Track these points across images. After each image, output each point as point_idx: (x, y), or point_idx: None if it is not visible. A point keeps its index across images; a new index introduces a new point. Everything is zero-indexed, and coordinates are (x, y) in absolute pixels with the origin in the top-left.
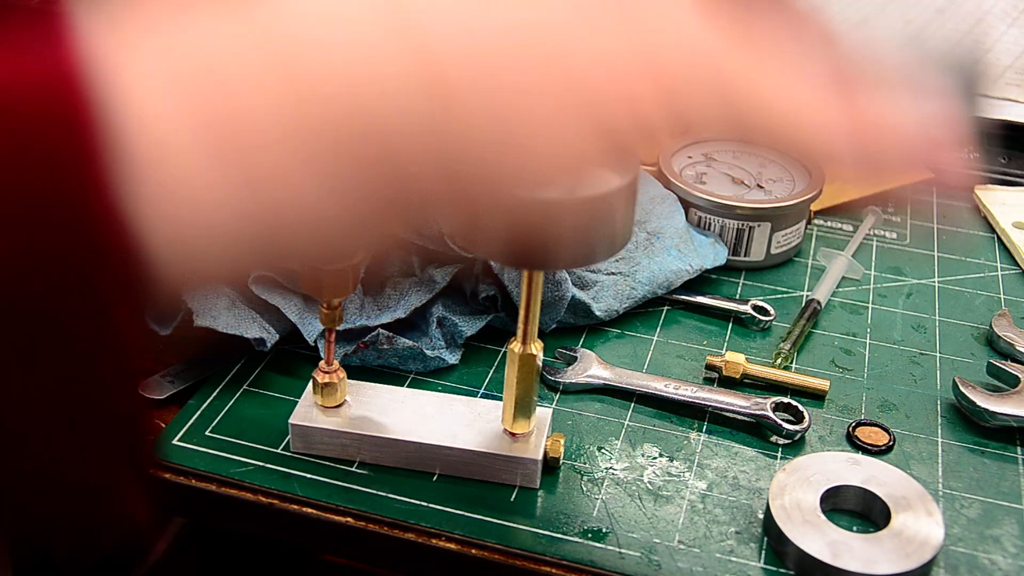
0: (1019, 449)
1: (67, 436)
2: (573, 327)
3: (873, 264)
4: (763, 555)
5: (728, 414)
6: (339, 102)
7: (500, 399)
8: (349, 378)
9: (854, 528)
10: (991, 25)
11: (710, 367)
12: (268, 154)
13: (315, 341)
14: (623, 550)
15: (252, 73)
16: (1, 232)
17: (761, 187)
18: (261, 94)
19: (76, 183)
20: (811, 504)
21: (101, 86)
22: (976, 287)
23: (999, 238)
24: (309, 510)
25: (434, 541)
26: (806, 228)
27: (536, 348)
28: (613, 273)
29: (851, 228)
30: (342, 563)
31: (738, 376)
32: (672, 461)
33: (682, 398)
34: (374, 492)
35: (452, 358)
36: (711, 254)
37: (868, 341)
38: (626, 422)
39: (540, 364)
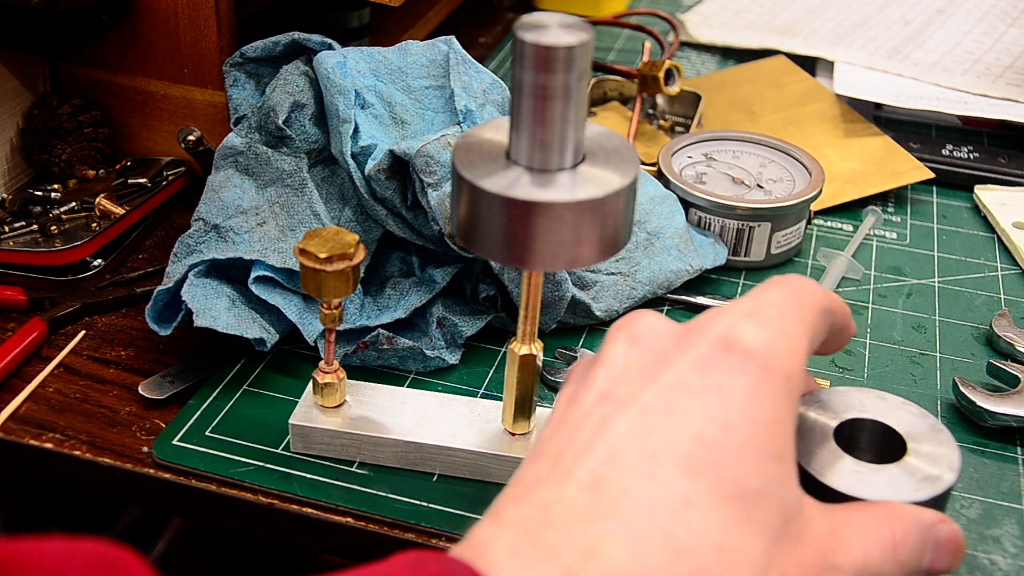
0: (1019, 449)
1: None
2: (573, 327)
3: (873, 264)
4: None
5: None
6: None
7: (500, 399)
8: (349, 378)
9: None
10: (991, 25)
11: None
12: None
13: (315, 341)
14: None
15: None
16: None
17: (761, 187)
18: None
19: None
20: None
21: None
22: (976, 287)
23: (999, 238)
24: (309, 510)
25: (434, 541)
26: (806, 228)
27: (536, 348)
28: (613, 273)
29: (851, 228)
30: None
31: None
32: None
33: None
34: (374, 492)
35: (452, 358)
36: (711, 254)
37: (868, 341)
38: None
39: (540, 364)
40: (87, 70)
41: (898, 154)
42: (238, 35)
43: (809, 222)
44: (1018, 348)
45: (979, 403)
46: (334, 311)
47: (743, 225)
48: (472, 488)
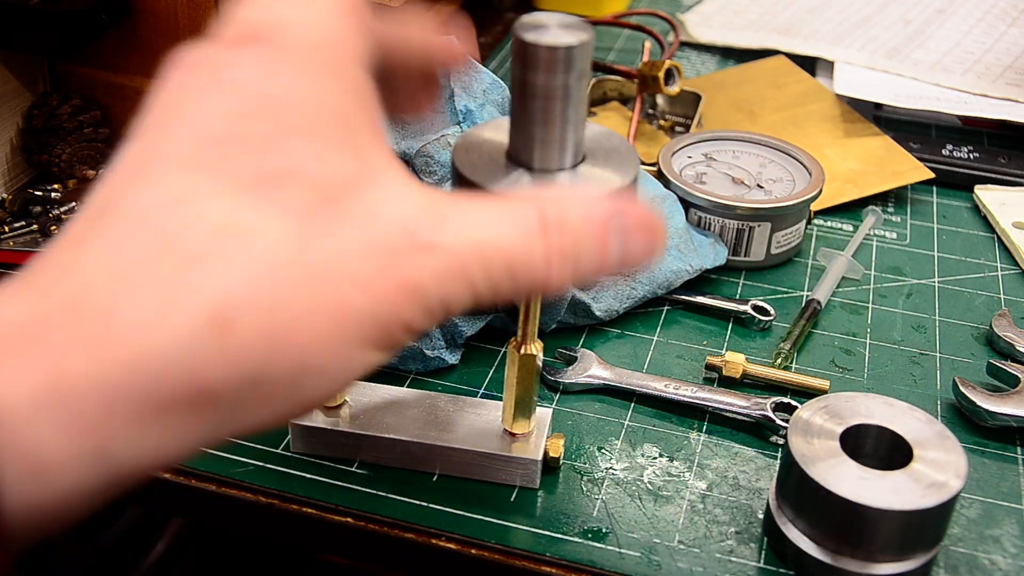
0: (1019, 449)
1: None
2: (573, 327)
3: (873, 264)
4: (763, 555)
5: (728, 414)
6: (148, 359)
7: (500, 399)
8: None
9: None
10: (991, 25)
11: (710, 367)
12: (112, 416)
13: None
14: (623, 550)
15: (69, 339)
16: None
17: (761, 187)
18: (79, 357)
19: None
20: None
21: None
22: (976, 287)
23: (999, 238)
24: (309, 510)
25: (434, 541)
26: (806, 228)
27: (536, 348)
28: None
29: (851, 228)
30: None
31: (738, 376)
32: (672, 461)
33: (682, 398)
34: (374, 492)
35: (452, 358)
36: (711, 254)
37: (868, 341)
38: (626, 422)
39: (540, 364)
40: (87, 70)
41: (898, 154)
42: None
43: (809, 222)
44: (1018, 348)
45: (979, 403)
46: None
47: (743, 225)
48: (472, 488)
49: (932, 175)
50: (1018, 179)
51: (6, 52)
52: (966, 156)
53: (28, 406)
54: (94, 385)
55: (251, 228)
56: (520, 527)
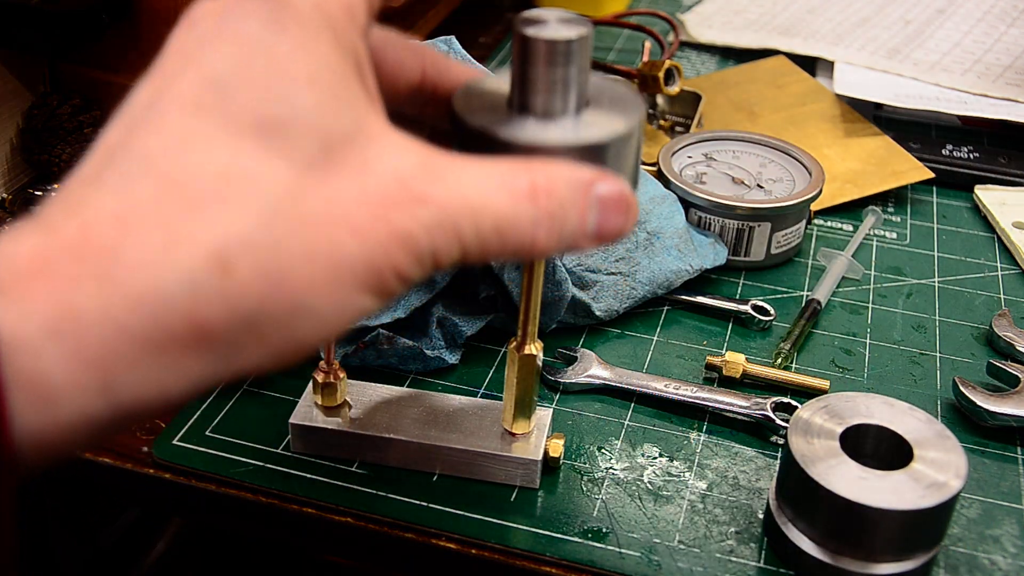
0: (1019, 449)
1: None
2: (573, 327)
3: (873, 264)
4: (763, 555)
5: (728, 414)
6: (151, 297)
7: (500, 399)
8: (349, 378)
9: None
10: (991, 25)
11: (710, 367)
12: (116, 350)
13: None
14: (623, 550)
15: (73, 275)
16: None
17: (761, 187)
18: (94, 298)
19: None
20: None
21: None
22: (976, 287)
23: (999, 238)
24: (309, 510)
25: (434, 541)
26: (806, 228)
27: (536, 348)
28: (613, 273)
29: (851, 228)
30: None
31: (738, 376)
32: (672, 461)
33: (682, 398)
34: (374, 492)
35: (452, 358)
36: (711, 254)
37: (868, 341)
38: (626, 422)
39: (540, 364)
40: (87, 70)
41: (898, 154)
42: None
43: (809, 222)
44: (1018, 348)
45: (979, 403)
46: None
47: (743, 225)
48: (472, 488)
49: (932, 175)
50: (1018, 179)
51: (6, 52)
52: (966, 156)
53: (36, 337)
54: (99, 319)
55: (252, 174)
56: (520, 527)
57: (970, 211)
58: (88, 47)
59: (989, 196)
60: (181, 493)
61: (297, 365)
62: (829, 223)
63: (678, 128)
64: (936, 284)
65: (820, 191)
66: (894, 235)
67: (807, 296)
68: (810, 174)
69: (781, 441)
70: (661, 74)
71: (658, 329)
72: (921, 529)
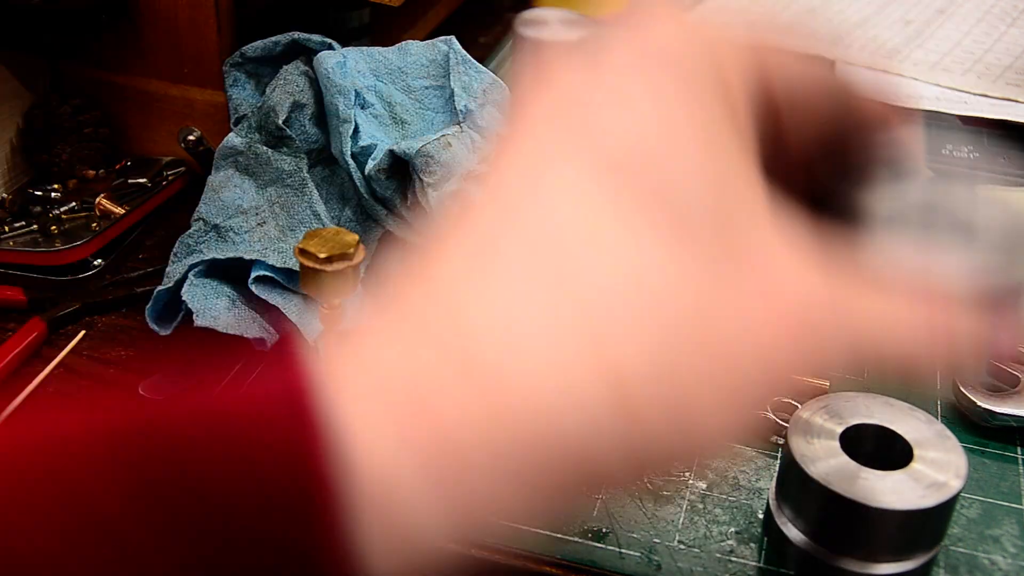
0: (1019, 449)
1: None
2: None
3: None
4: (763, 555)
5: None
6: (539, 423)
7: None
8: None
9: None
10: (991, 25)
11: None
12: (475, 474)
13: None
14: (623, 550)
15: (455, 398)
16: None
17: None
18: (464, 418)
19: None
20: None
21: (330, 408)
22: None
23: None
24: None
25: None
26: None
27: None
28: None
29: None
30: None
31: None
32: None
33: None
34: None
35: None
36: None
37: None
38: None
39: None
40: (87, 70)
41: None
42: (238, 35)
43: None
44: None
45: (979, 403)
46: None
47: None
48: None
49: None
50: (1018, 179)
51: (6, 52)
52: (966, 156)
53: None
54: None
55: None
56: (520, 527)
57: None
58: (88, 47)
59: None
60: None
61: None
62: None
63: None
64: None
65: None
66: None
67: None
68: None
69: (781, 441)
70: None
71: None
72: (921, 529)
